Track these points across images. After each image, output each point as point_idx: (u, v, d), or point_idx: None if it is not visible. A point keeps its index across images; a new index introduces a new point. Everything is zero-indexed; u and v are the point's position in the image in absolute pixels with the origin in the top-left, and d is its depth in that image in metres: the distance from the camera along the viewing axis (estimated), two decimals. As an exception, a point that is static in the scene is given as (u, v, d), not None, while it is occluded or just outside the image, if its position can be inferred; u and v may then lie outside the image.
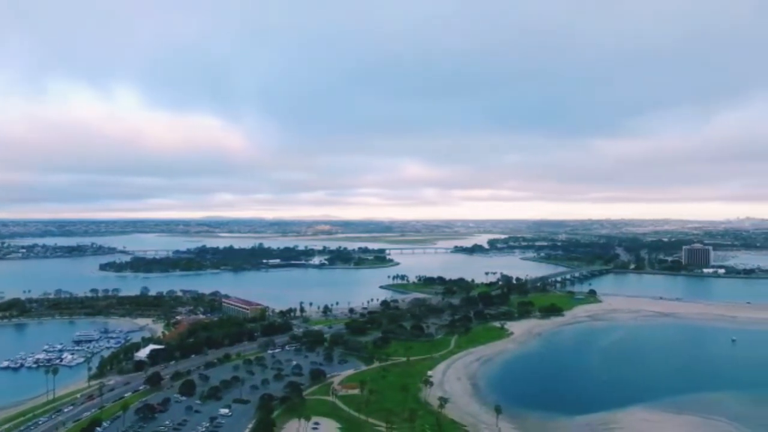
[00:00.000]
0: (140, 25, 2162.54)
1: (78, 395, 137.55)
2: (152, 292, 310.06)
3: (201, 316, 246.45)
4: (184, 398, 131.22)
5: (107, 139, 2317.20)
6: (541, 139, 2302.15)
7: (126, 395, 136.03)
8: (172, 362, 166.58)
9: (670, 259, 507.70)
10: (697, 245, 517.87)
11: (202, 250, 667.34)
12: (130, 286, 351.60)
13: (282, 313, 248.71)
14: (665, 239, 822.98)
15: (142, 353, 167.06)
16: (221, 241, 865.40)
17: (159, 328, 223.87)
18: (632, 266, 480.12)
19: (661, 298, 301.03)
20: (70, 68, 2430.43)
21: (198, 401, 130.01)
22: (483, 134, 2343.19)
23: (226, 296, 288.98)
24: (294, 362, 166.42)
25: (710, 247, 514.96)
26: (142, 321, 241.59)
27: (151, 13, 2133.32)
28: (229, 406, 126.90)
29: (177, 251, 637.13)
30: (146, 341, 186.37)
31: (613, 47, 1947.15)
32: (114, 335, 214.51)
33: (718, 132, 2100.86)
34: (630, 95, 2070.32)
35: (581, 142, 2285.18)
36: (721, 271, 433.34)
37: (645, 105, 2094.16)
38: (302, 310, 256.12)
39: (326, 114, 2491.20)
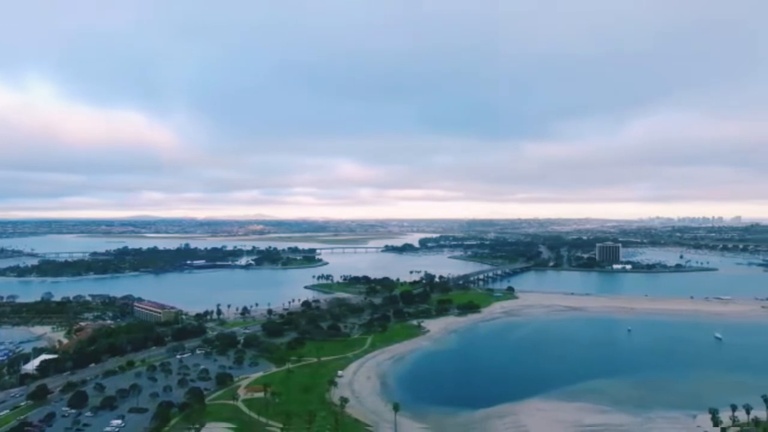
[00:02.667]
0: (56, 12, 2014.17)
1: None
2: (58, 298, 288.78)
3: (109, 322, 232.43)
4: (73, 411, 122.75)
5: (19, 132, 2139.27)
6: (472, 141, 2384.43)
7: (1, 413, 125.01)
8: (67, 373, 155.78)
9: (585, 256, 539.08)
10: (609, 243, 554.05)
11: (123, 252, 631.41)
12: (34, 291, 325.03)
13: (197, 316, 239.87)
14: (585, 237, 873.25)
15: (31, 365, 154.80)
16: (146, 242, 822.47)
17: (59, 337, 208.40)
18: (551, 263, 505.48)
19: (572, 293, 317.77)
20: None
21: (89, 413, 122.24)
22: (416, 135, 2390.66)
23: (139, 300, 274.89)
24: (202, 367, 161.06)
25: (620, 245, 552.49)
26: (39, 330, 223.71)
27: (69, 1, 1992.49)
28: (123, 417, 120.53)
29: (94, 253, 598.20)
30: (38, 351, 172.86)
31: (538, 53, 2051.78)
32: (1, 347, 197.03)
33: (631, 138, 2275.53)
34: (554, 101, 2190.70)
35: (511, 144, 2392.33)
36: (628, 266, 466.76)
37: (568, 110, 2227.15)
38: (219, 312, 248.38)
39: (259, 112, 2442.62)
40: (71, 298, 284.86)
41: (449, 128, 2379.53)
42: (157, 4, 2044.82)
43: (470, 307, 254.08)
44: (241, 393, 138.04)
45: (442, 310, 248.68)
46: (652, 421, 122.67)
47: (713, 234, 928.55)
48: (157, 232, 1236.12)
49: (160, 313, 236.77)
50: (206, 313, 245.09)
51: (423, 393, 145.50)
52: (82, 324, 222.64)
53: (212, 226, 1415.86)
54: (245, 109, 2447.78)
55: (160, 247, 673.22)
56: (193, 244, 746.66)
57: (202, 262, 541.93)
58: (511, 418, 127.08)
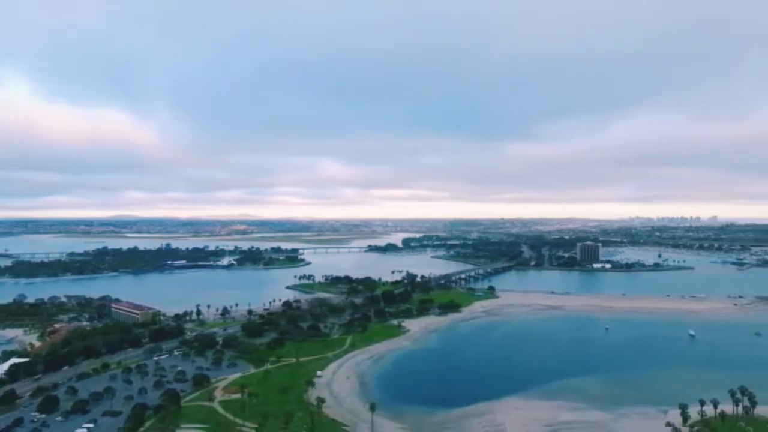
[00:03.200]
0: (33, 9, 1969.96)
1: None
2: (32, 299, 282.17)
3: (84, 324, 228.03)
4: (42, 416, 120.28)
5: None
6: (457, 142, 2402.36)
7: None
8: (38, 377, 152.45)
9: (566, 255, 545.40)
10: (589, 242, 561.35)
11: (102, 252, 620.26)
12: (6, 293, 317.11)
13: (176, 317, 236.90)
14: (566, 237, 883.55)
15: (0, 369, 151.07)
16: (127, 242, 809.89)
17: (31, 340, 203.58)
18: (533, 263, 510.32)
19: (552, 292, 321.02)
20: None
21: (59, 418, 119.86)
22: (401, 136, 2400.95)
23: (117, 300, 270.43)
24: (179, 368, 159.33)
25: (600, 244, 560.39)
26: (10, 333, 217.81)
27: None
28: (95, 421, 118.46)
29: (72, 253, 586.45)
30: (7, 355, 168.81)
31: (522, 55, 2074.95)
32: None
33: (613, 139, 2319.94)
34: (538, 102, 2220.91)
35: (496, 145, 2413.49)
36: (608, 265, 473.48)
37: (552, 111, 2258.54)
38: (198, 312, 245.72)
39: (243, 111, 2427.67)
40: (46, 300, 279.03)
41: (434, 129, 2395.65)
42: (137, 2, 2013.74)
43: (451, 307, 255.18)
44: (218, 394, 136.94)
45: (422, 309, 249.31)
46: (625, 417, 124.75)
47: (691, 233, 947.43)
48: (139, 232, 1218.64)
49: (137, 314, 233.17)
50: (185, 313, 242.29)
51: (402, 393, 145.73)
52: (56, 326, 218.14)
53: (195, 226, 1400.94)
54: (230, 109, 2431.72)
55: (141, 247, 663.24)
56: (174, 244, 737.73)
57: (183, 262, 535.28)
58: (488, 416, 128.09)
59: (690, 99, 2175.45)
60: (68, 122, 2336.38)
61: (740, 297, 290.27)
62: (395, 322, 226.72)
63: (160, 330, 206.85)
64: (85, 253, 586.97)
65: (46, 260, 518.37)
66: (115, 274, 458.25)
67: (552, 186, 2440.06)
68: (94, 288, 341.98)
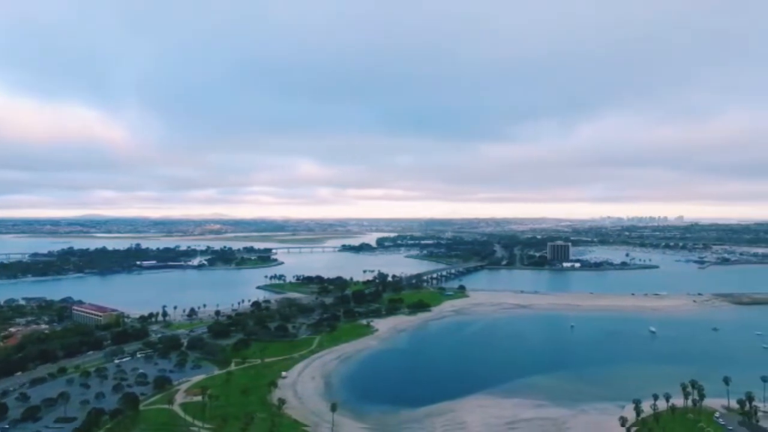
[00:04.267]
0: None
1: None
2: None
3: (43, 327, 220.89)
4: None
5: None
6: (432, 142, 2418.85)
7: None
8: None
9: (537, 254, 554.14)
10: (559, 242, 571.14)
11: (68, 252, 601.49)
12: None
13: (141, 319, 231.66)
14: (539, 236, 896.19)
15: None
16: (95, 242, 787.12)
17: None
18: (504, 262, 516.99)
19: (522, 291, 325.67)
20: None
21: (6, 426, 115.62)
22: (376, 136, 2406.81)
23: (79, 302, 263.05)
24: (140, 371, 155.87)
25: (570, 244, 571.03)
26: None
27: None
28: (46, 428, 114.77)
29: (35, 254, 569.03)
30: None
31: (493, 57, 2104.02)
32: None
33: (582, 140, 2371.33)
34: (509, 103, 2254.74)
35: (470, 145, 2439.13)
36: (577, 264, 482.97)
37: (523, 113, 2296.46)
38: (164, 314, 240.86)
39: (216, 110, 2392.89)
40: (2, 303, 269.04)
41: (409, 129, 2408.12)
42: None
43: (421, 306, 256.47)
44: (180, 397, 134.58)
45: (392, 309, 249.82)
46: (585, 413, 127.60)
47: (658, 233, 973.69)
48: (108, 231, 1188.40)
49: (100, 316, 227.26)
50: (151, 315, 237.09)
51: (367, 393, 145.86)
52: (12, 330, 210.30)
53: (167, 226, 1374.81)
54: (203, 107, 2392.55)
55: (109, 248, 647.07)
56: (145, 244, 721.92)
57: (152, 262, 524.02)
58: (450, 415, 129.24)
59: (654, 102, 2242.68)
60: (32, 117, 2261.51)
61: (699, 294, 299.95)
62: (364, 321, 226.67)
63: (123, 332, 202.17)
64: (50, 254, 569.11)
65: (5, 261, 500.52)
66: (80, 275, 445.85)
67: (525, 186, 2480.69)
68: (57, 290, 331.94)
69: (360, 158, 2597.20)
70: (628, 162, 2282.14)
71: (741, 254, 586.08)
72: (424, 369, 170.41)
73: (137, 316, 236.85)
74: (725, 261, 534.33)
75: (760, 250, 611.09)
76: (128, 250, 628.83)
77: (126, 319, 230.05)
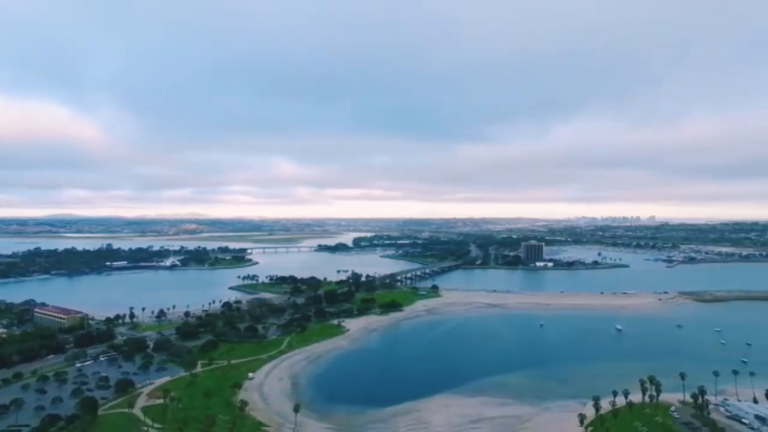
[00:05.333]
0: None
1: None
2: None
3: (1, 330, 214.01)
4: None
5: None
6: (410, 143, 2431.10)
7: None
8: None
9: (512, 254, 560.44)
10: (533, 242, 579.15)
11: (34, 253, 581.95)
12: None
13: (107, 321, 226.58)
14: (514, 236, 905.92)
15: None
16: (64, 243, 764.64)
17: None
18: (479, 262, 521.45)
19: (494, 290, 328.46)
20: None
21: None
22: (354, 136, 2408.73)
23: (42, 305, 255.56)
24: (102, 374, 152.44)
25: (543, 243, 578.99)
26: None
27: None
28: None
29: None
30: None
31: (469, 58, 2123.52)
32: None
33: (557, 142, 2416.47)
34: (488, 105, 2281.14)
35: (447, 146, 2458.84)
36: (550, 264, 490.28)
37: (500, 115, 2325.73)
38: (132, 315, 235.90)
39: (193, 108, 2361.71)
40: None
41: (386, 129, 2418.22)
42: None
43: (393, 306, 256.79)
44: (142, 400, 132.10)
45: (364, 309, 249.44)
46: (548, 411, 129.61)
47: (630, 233, 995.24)
48: (79, 231, 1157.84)
49: (64, 318, 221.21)
50: (117, 317, 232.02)
51: (335, 393, 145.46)
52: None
53: (141, 226, 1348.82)
54: (179, 106, 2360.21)
55: (79, 248, 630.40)
56: (117, 245, 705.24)
57: (123, 263, 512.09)
58: (416, 414, 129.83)
59: (628, 105, 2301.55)
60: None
61: (665, 292, 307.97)
62: (335, 321, 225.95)
63: (87, 335, 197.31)
64: (13, 255, 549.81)
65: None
66: (46, 276, 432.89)
67: (503, 186, 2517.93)
68: (19, 292, 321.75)
69: (338, 158, 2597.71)
70: (603, 163, 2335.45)
71: (707, 253, 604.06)
72: (393, 369, 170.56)
73: (103, 318, 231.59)
74: (692, 260, 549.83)
75: (725, 249, 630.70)
76: (99, 251, 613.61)
77: (91, 321, 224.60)
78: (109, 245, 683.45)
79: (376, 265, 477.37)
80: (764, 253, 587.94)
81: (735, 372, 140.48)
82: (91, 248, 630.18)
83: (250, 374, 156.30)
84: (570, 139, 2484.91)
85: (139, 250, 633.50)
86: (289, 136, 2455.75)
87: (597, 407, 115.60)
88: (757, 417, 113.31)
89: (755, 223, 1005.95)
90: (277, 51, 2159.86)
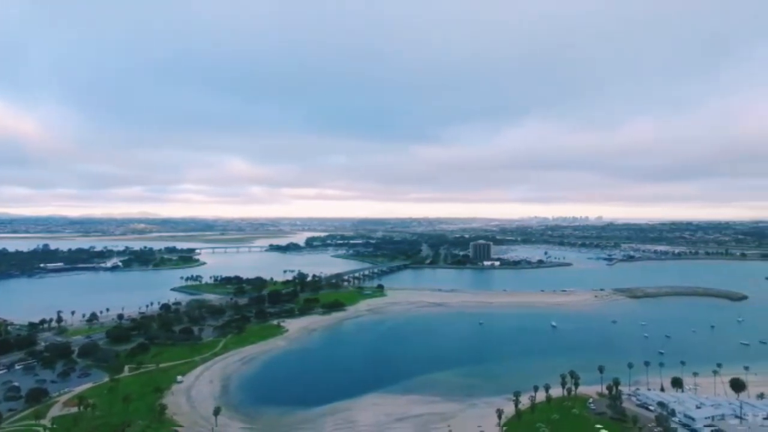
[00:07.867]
0: None
1: None
2: None
3: None
4: None
5: None
6: (364, 143, 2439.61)
7: None
8: None
9: (461, 253, 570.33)
10: (481, 241, 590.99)
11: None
12: None
13: (31, 326, 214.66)
14: (467, 236, 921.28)
15: None
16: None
17: None
18: (428, 261, 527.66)
19: (439, 289, 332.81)
20: None
21: None
22: (309, 136, 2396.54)
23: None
24: (14, 384, 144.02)
25: (491, 243, 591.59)
26: None
27: None
28: None
29: None
30: None
31: (421, 60, 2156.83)
32: None
33: (508, 144, 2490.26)
34: (440, 107, 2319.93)
35: (401, 146, 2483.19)
36: (497, 263, 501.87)
37: (453, 116, 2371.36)
38: (59, 319, 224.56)
39: (142, 105, 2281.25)
40: None
41: (340, 129, 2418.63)
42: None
43: (336, 306, 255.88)
44: (56, 410, 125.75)
45: (307, 309, 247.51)
46: (474, 407, 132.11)
47: (578, 232, 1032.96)
48: (15, 231, 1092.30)
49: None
50: (43, 321, 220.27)
51: (264, 394, 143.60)
52: None
53: (85, 225, 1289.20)
54: (126, 102, 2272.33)
55: (11, 249, 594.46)
56: (55, 245, 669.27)
57: (59, 264, 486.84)
58: (344, 414, 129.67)
59: (572, 109, 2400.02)
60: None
61: (601, 290, 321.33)
62: (275, 322, 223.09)
63: (4, 341, 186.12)
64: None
65: None
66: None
67: (457, 187, 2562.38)
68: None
69: (293, 158, 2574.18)
70: (552, 165, 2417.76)
71: (644, 252, 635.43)
72: (328, 369, 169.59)
73: (26, 323, 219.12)
74: (630, 258, 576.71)
75: (660, 248, 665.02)
76: (33, 252, 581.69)
77: (11, 327, 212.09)
78: (46, 246, 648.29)
79: (326, 264, 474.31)
80: (694, 251, 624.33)
81: (647, 363, 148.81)
82: (25, 249, 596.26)
83: (180, 377, 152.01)
84: (519, 141, 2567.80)
85: (79, 250, 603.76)
86: (243, 135, 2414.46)
87: (516, 402, 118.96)
88: (659, 403, 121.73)
89: (689, 223, 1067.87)
90: (233, 48, 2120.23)
